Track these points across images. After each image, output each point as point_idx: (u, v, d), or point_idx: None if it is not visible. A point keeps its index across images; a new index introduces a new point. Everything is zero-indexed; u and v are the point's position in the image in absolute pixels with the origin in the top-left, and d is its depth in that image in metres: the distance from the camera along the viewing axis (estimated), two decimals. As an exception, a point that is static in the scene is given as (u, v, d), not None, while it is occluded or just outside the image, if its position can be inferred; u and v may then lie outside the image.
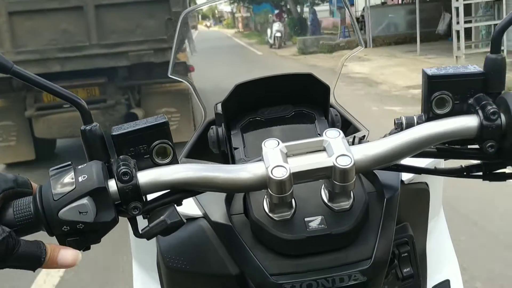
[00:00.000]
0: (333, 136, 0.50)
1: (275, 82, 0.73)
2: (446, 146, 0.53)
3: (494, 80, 0.50)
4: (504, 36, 0.51)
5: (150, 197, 0.50)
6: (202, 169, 0.49)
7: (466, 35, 7.01)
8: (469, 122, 0.50)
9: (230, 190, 0.53)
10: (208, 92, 0.88)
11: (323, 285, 0.51)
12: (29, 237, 0.45)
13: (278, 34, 6.39)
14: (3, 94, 4.03)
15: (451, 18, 10.85)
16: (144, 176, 0.47)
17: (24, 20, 3.78)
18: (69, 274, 2.49)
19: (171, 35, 3.76)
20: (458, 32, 7.00)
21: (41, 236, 0.46)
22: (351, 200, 0.54)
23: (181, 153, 0.81)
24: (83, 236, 0.45)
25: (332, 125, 0.75)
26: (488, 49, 0.51)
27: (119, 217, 0.47)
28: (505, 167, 0.53)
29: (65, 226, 0.44)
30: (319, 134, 0.68)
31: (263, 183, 0.48)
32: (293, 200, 0.54)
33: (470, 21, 7.09)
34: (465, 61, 6.79)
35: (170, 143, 0.49)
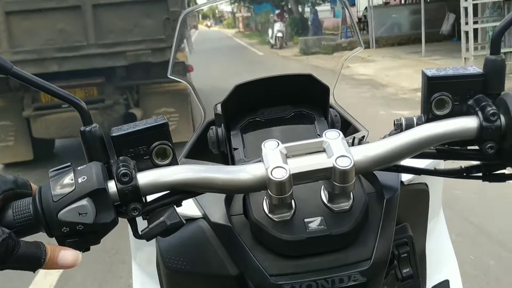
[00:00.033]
0: (333, 137, 0.50)
1: (275, 83, 0.73)
2: (445, 147, 0.53)
3: (493, 81, 0.51)
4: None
5: (149, 198, 0.50)
6: (201, 170, 0.49)
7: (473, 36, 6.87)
8: (468, 123, 0.50)
9: (229, 191, 0.53)
10: (209, 92, 0.87)
11: (323, 286, 0.51)
12: (28, 238, 0.45)
13: (280, 34, 6.37)
14: (1, 94, 4.02)
15: (455, 19, 10.51)
16: (144, 177, 0.47)
17: (21, 20, 3.76)
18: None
19: (169, 35, 3.76)
20: (466, 33, 6.80)
21: (40, 237, 0.45)
22: (351, 201, 0.54)
23: (181, 154, 0.81)
24: (82, 237, 0.45)
25: (332, 125, 0.75)
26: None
27: (119, 218, 0.47)
28: (504, 168, 0.53)
29: (64, 227, 0.44)
30: (319, 135, 0.68)
31: (262, 184, 0.48)
32: (292, 201, 0.54)
33: (476, 22, 6.97)
34: (474, 62, 6.70)
35: (169, 144, 0.49)
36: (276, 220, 0.53)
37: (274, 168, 0.47)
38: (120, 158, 0.48)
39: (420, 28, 9.58)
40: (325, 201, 0.55)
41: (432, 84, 0.51)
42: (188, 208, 0.59)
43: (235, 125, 0.73)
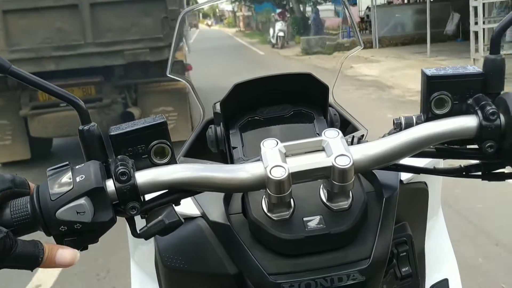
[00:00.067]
0: (332, 136, 0.50)
1: (274, 82, 0.73)
2: (445, 146, 0.53)
3: (493, 80, 0.51)
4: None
5: (148, 197, 0.49)
6: (200, 169, 0.49)
7: (477, 37, 6.74)
8: (468, 122, 0.50)
9: (228, 190, 0.52)
10: (208, 92, 0.87)
11: (322, 285, 0.51)
12: (26, 237, 0.45)
13: (281, 34, 6.32)
14: None
15: (460, 19, 10.35)
16: (142, 176, 0.47)
17: (18, 19, 3.75)
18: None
19: (167, 34, 3.75)
20: (474, 33, 6.66)
21: (38, 236, 0.45)
22: (350, 199, 0.54)
23: (179, 152, 0.81)
24: (80, 236, 0.45)
25: (331, 124, 0.75)
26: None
27: (117, 217, 0.47)
28: (504, 167, 0.53)
29: (62, 226, 0.44)
30: (318, 134, 0.68)
31: (261, 183, 0.48)
32: (291, 200, 0.54)
33: (483, 22, 6.90)
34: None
35: (168, 143, 0.49)
36: (275, 219, 0.53)
37: (273, 167, 0.47)
38: (119, 157, 0.48)
39: (424, 28, 9.43)
40: (324, 200, 0.55)
41: (431, 83, 0.51)
42: (187, 207, 0.59)
43: (234, 124, 0.73)
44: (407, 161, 0.55)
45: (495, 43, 0.51)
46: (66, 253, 0.44)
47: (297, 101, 0.74)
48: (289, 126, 0.71)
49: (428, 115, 0.52)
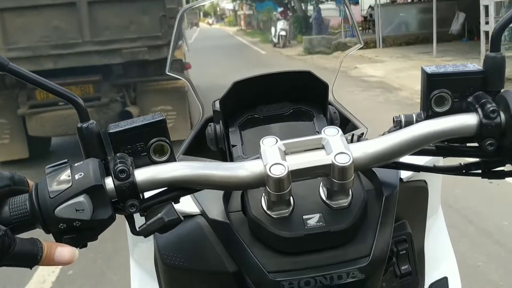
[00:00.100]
0: (332, 134, 0.50)
1: (274, 80, 0.73)
2: (445, 144, 0.53)
3: (493, 78, 0.51)
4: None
5: (147, 194, 0.49)
6: (199, 167, 0.49)
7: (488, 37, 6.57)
8: (468, 120, 0.50)
9: (228, 187, 0.52)
10: (209, 91, 0.87)
11: (321, 283, 0.51)
12: (25, 235, 0.45)
13: (283, 33, 6.26)
14: None
15: (465, 18, 10.20)
16: (141, 174, 0.47)
17: (15, 17, 3.73)
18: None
19: (166, 32, 3.74)
20: (486, 33, 6.46)
21: (37, 234, 0.45)
22: (350, 197, 0.54)
23: (179, 151, 0.81)
24: (79, 233, 0.45)
25: (331, 122, 0.75)
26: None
27: (116, 214, 0.46)
28: (504, 165, 0.53)
29: (61, 224, 0.44)
30: (318, 132, 0.68)
31: (261, 181, 0.48)
32: (291, 197, 0.54)
33: (488, 22, 6.83)
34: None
35: (167, 141, 0.49)
36: (275, 216, 0.53)
37: (273, 164, 0.47)
38: (118, 154, 0.48)
39: (429, 27, 9.26)
40: (324, 198, 0.55)
41: (431, 81, 0.51)
42: (186, 204, 0.58)
43: (234, 122, 0.72)
44: (407, 159, 0.55)
45: (495, 41, 0.50)
46: (65, 251, 0.44)
47: (296, 99, 0.73)
48: (289, 124, 0.71)
49: (428, 113, 0.52)
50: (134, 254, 0.80)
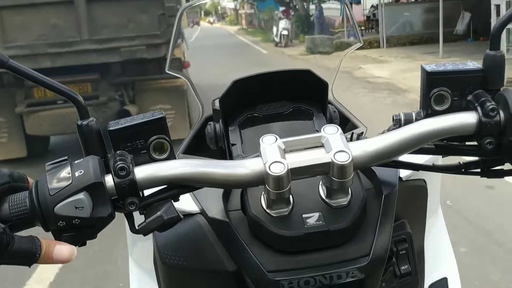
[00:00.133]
0: (331, 132, 0.50)
1: (273, 78, 0.73)
2: (444, 143, 0.53)
3: (493, 76, 0.51)
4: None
5: (147, 192, 0.49)
6: (199, 165, 0.49)
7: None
8: (468, 118, 0.50)
9: (227, 186, 0.52)
10: (210, 91, 0.86)
11: (321, 282, 0.51)
12: (24, 232, 0.44)
13: (285, 32, 6.18)
14: None
15: (471, 18, 10.02)
16: (141, 172, 0.47)
17: (13, 15, 3.72)
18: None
19: (164, 31, 3.73)
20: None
21: (36, 231, 0.45)
22: (349, 196, 0.54)
23: (179, 149, 0.81)
24: (79, 231, 0.45)
25: (330, 121, 0.75)
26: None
27: (116, 212, 0.46)
28: (503, 164, 0.53)
29: (61, 221, 0.44)
30: (317, 131, 0.68)
31: (260, 179, 0.48)
32: (290, 196, 0.53)
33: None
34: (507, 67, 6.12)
35: (167, 139, 0.49)
36: (274, 215, 0.53)
37: (272, 163, 0.47)
38: (118, 152, 0.48)
39: (433, 27, 9.10)
40: (323, 197, 0.55)
41: (431, 79, 0.51)
42: (186, 203, 0.58)
43: (233, 121, 0.72)
44: (406, 158, 0.54)
45: (495, 39, 0.50)
46: (63, 249, 0.44)
47: (296, 98, 0.73)
48: (288, 123, 0.71)
49: (428, 111, 0.52)
50: (133, 253, 0.80)
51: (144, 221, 0.48)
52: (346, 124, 0.83)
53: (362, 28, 13.55)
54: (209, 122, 0.78)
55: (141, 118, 0.49)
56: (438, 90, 0.51)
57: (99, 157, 0.47)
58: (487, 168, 0.54)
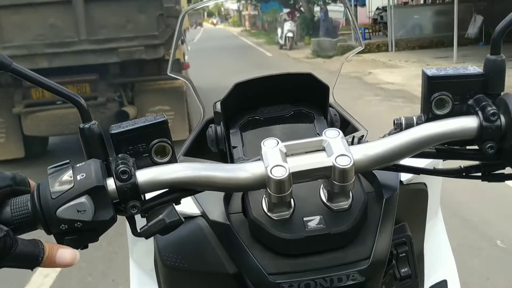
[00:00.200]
0: (333, 136, 0.50)
1: (275, 81, 0.73)
2: (445, 147, 0.53)
3: (494, 81, 0.51)
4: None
5: (148, 196, 0.49)
6: (201, 168, 0.49)
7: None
8: (468, 123, 0.50)
9: (229, 189, 0.52)
10: (212, 95, 0.86)
11: (321, 285, 0.51)
12: (26, 235, 0.44)
13: (290, 34, 6.06)
14: None
15: (483, 21, 9.64)
16: (143, 175, 0.47)
17: (11, 14, 3.70)
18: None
19: (163, 31, 3.72)
20: None
21: (38, 234, 0.45)
22: (350, 200, 0.54)
23: (179, 151, 0.81)
24: (81, 234, 0.45)
25: (331, 125, 0.75)
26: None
27: (117, 215, 0.46)
28: (504, 168, 0.53)
29: (63, 225, 0.44)
30: (318, 134, 0.68)
31: (262, 183, 0.48)
32: (292, 199, 0.54)
33: None
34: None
35: (169, 142, 0.49)
36: (275, 218, 0.53)
37: (274, 166, 0.47)
38: (119, 155, 0.48)
39: (444, 30, 8.87)
40: (324, 200, 0.55)
41: (432, 84, 0.51)
42: (187, 205, 0.58)
43: (234, 124, 0.72)
44: (407, 161, 0.55)
45: (496, 44, 0.51)
46: (66, 253, 0.44)
47: (297, 101, 0.74)
48: (290, 126, 0.71)
49: (429, 115, 0.52)
50: (134, 255, 0.80)
51: (146, 224, 0.48)
52: (346, 127, 0.83)
53: (369, 31, 13.20)
54: (210, 125, 0.78)
55: (143, 122, 0.49)
56: (439, 95, 0.51)
57: (101, 160, 0.47)
58: (488, 172, 0.54)
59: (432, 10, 12.07)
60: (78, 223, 0.44)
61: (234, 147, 0.69)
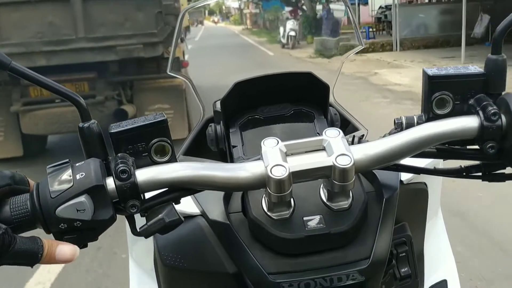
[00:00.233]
0: (333, 136, 0.50)
1: (275, 81, 0.73)
2: (446, 147, 0.53)
3: (495, 81, 0.51)
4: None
5: (148, 195, 0.49)
6: (200, 168, 0.49)
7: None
8: (469, 122, 0.50)
9: (229, 189, 0.52)
10: (213, 96, 0.85)
11: (321, 285, 0.51)
12: (25, 234, 0.44)
13: (292, 33, 6.00)
14: None
15: (490, 20, 9.37)
16: (143, 174, 0.47)
17: (9, 12, 3.68)
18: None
19: (162, 29, 3.71)
20: None
21: (37, 234, 0.45)
22: (350, 199, 0.54)
23: (179, 151, 0.80)
24: (80, 233, 0.45)
25: (331, 124, 0.75)
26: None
27: (117, 215, 0.46)
28: (504, 168, 0.53)
29: (62, 224, 0.43)
30: (318, 133, 0.68)
31: (262, 182, 0.48)
32: (292, 199, 0.54)
33: None
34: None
35: (168, 141, 0.49)
36: (275, 218, 0.53)
37: (274, 166, 0.47)
38: (119, 154, 0.48)
39: (449, 29, 8.66)
40: (324, 200, 0.55)
41: (433, 83, 0.51)
42: (186, 205, 0.58)
43: (234, 123, 0.72)
44: (407, 161, 0.55)
45: (497, 43, 0.51)
46: (66, 249, 0.44)
47: (297, 100, 0.74)
48: (290, 125, 0.71)
49: (429, 115, 0.52)
50: (133, 254, 0.80)
51: (146, 223, 0.48)
52: (346, 126, 0.83)
53: (373, 29, 12.96)
54: (210, 124, 0.78)
55: (142, 121, 0.49)
56: (440, 94, 0.51)
57: (100, 159, 0.47)
58: (488, 172, 0.54)
59: (437, 9, 11.81)
60: (78, 222, 0.43)
61: (234, 147, 0.69)
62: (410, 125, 0.53)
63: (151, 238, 0.60)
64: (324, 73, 0.72)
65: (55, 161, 0.46)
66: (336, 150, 0.48)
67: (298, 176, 0.48)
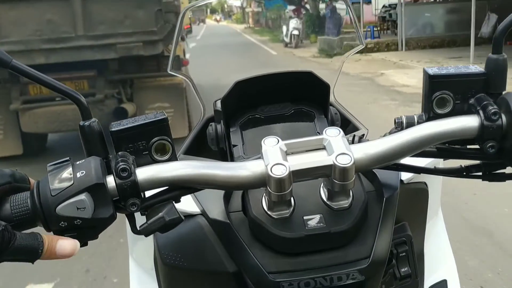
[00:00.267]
0: (333, 135, 0.50)
1: (275, 80, 0.73)
2: (446, 146, 0.53)
3: (495, 80, 0.51)
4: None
5: (148, 193, 0.49)
6: (201, 166, 0.49)
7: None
8: (470, 122, 0.50)
9: (229, 187, 0.52)
10: (213, 94, 0.85)
11: (321, 284, 0.51)
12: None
13: (296, 32, 5.93)
14: None
15: (497, 20, 9.13)
16: (143, 173, 0.47)
17: (7, 10, 3.67)
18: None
19: (161, 27, 3.70)
20: None
21: (38, 231, 0.45)
22: (350, 199, 0.54)
23: (180, 150, 0.80)
24: (80, 232, 0.45)
25: (332, 123, 0.75)
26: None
27: (117, 213, 0.46)
28: (505, 168, 0.53)
29: (62, 222, 0.44)
30: (319, 133, 0.68)
31: (262, 181, 0.48)
32: (292, 198, 0.54)
33: None
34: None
35: (169, 140, 0.49)
36: (275, 217, 0.53)
37: (274, 165, 0.47)
38: (119, 153, 0.48)
39: (456, 29, 8.46)
40: (325, 199, 0.55)
41: (433, 83, 0.51)
42: (187, 204, 0.58)
43: (235, 122, 0.72)
44: (407, 160, 0.55)
45: (498, 43, 0.51)
46: (66, 243, 0.44)
47: (298, 100, 0.74)
48: (290, 124, 0.71)
49: (430, 114, 0.52)
50: (133, 253, 0.80)
51: (146, 222, 0.48)
52: (347, 126, 0.83)
53: (378, 29, 12.73)
54: (210, 123, 0.78)
55: (143, 119, 0.49)
56: (440, 94, 0.51)
57: (100, 158, 0.47)
58: (488, 172, 0.54)
59: (444, 8, 11.55)
60: (78, 220, 0.43)
61: (234, 146, 0.69)
62: (410, 124, 0.53)
63: (151, 237, 0.60)
64: (324, 72, 0.72)
65: (55, 160, 0.46)
66: (337, 149, 0.48)
67: (298, 175, 0.48)
